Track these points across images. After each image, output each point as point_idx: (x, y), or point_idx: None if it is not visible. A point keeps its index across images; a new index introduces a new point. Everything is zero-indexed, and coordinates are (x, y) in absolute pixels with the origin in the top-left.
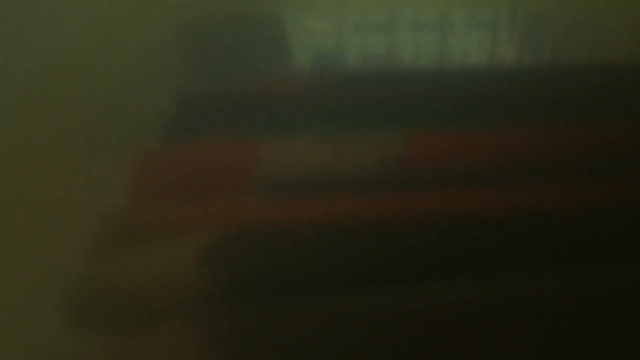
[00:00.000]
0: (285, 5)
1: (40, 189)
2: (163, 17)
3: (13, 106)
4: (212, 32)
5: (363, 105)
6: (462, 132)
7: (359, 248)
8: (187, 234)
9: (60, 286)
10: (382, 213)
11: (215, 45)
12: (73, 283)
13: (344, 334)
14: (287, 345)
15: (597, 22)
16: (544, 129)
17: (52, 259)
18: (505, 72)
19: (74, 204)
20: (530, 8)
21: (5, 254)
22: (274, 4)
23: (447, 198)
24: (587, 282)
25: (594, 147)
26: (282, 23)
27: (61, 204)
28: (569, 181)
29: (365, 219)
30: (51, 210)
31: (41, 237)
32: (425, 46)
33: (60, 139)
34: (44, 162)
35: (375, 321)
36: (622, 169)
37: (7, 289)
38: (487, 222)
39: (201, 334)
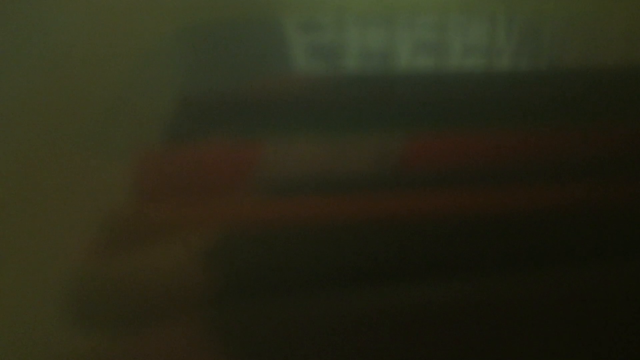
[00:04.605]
0: (286, 8)
1: (42, 188)
2: (165, 18)
3: (16, 107)
4: (214, 34)
5: (363, 106)
6: (461, 134)
7: (359, 248)
8: (189, 234)
9: (61, 286)
10: (382, 213)
11: (216, 47)
12: (75, 283)
13: (345, 334)
14: (288, 345)
15: (595, 25)
16: (541, 130)
17: (54, 258)
18: (503, 75)
19: (76, 204)
20: (528, 11)
21: (5, 254)
22: (275, 6)
23: (446, 199)
24: (587, 282)
25: (592, 149)
26: (282, 25)
27: (63, 204)
28: (566, 182)
29: (365, 219)
30: (53, 210)
31: (42, 237)
32: (424, 49)
33: (63, 139)
34: (46, 162)
35: (375, 321)
36: (621, 171)
37: (8, 289)
38: (487, 222)
39: (203, 334)
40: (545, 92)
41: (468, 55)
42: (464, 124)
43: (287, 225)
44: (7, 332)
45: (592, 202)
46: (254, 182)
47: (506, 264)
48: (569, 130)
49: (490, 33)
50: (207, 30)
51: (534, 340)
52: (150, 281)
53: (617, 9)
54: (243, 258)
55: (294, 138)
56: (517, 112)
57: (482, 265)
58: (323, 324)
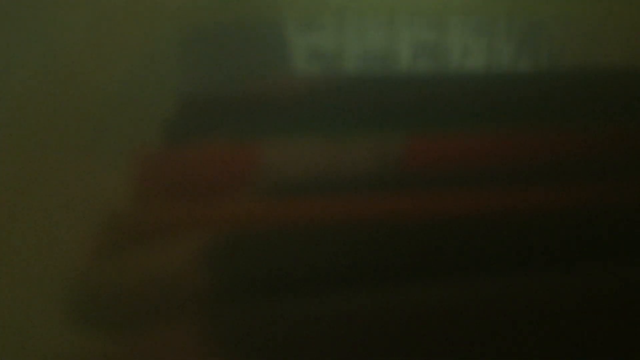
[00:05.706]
0: (286, 10)
1: (42, 189)
2: (166, 21)
3: (17, 108)
4: (215, 36)
5: (363, 107)
6: (461, 135)
7: (359, 249)
8: (189, 235)
9: (62, 286)
10: (382, 214)
11: (217, 48)
12: (75, 283)
13: (344, 334)
14: (288, 346)
15: (594, 27)
16: (540, 131)
17: (54, 259)
18: (503, 76)
19: (77, 204)
20: (528, 13)
21: (5, 254)
22: (275, 8)
23: (446, 199)
24: (587, 282)
25: (591, 150)
26: (283, 27)
27: (63, 204)
28: (566, 183)
29: (365, 220)
30: (53, 210)
31: (42, 237)
32: (424, 50)
33: (63, 140)
34: (46, 162)
35: (374, 321)
36: (621, 171)
37: (8, 289)
38: (487, 223)
39: (203, 335)
40: (545, 93)
41: (468, 56)
42: (464, 125)
43: (287, 226)
44: (8, 332)
45: (592, 202)
46: (254, 183)
47: (506, 263)
48: (568, 130)
49: (490, 34)
50: (208, 32)
51: (535, 341)
52: (150, 281)
53: (617, 9)
54: (243, 258)
55: (295, 139)
56: (517, 113)
57: (482, 265)
58: (323, 324)
